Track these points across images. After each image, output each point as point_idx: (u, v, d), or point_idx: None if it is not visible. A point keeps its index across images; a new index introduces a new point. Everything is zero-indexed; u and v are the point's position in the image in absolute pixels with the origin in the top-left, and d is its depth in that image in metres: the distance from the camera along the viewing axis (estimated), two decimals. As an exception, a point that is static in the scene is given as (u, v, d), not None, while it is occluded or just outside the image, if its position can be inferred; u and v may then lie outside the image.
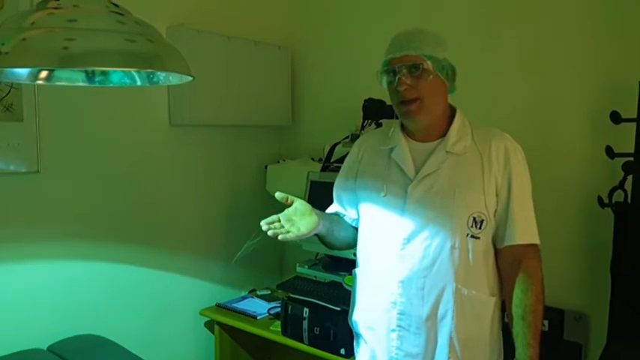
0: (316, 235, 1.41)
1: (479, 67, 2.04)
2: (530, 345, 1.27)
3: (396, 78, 1.29)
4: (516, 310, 1.30)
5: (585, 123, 1.92)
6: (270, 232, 1.27)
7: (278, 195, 1.34)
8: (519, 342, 1.29)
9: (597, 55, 1.88)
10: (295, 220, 1.32)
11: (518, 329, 1.29)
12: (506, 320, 1.36)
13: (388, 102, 2.12)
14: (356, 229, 1.50)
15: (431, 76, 1.28)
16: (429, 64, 1.27)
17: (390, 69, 1.31)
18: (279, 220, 1.31)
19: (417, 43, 1.29)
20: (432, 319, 1.31)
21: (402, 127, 1.41)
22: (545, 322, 1.86)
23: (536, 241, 1.34)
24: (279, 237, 1.28)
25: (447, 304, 1.30)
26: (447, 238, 1.29)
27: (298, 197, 1.35)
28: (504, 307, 1.36)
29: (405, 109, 1.32)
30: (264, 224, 1.28)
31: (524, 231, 1.32)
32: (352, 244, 1.51)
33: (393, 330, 1.35)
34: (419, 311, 1.32)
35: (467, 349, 1.31)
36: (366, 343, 1.44)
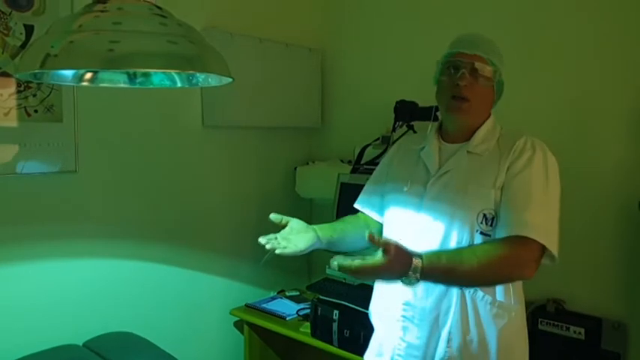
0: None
1: (515, 70, 2.00)
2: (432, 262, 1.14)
3: (460, 72, 1.29)
4: (470, 250, 1.20)
5: (624, 125, 1.86)
6: (268, 246, 1.30)
7: (272, 217, 1.39)
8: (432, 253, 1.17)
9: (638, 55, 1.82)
10: (291, 239, 1.36)
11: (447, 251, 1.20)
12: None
13: (420, 104, 2.11)
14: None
15: (488, 83, 1.30)
16: (490, 71, 1.29)
17: (453, 62, 1.31)
18: (277, 238, 1.36)
19: (487, 47, 1.31)
20: (435, 313, 1.31)
21: (438, 128, 1.43)
22: (582, 331, 1.82)
23: (536, 236, 1.16)
24: (277, 251, 1.31)
25: (450, 301, 1.29)
26: (456, 234, 1.28)
27: (292, 217, 1.39)
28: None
29: (454, 104, 1.31)
30: (261, 240, 1.32)
31: (522, 222, 1.18)
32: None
33: (398, 320, 1.37)
34: (422, 304, 1.32)
35: (468, 348, 1.29)
36: (377, 333, 1.47)
